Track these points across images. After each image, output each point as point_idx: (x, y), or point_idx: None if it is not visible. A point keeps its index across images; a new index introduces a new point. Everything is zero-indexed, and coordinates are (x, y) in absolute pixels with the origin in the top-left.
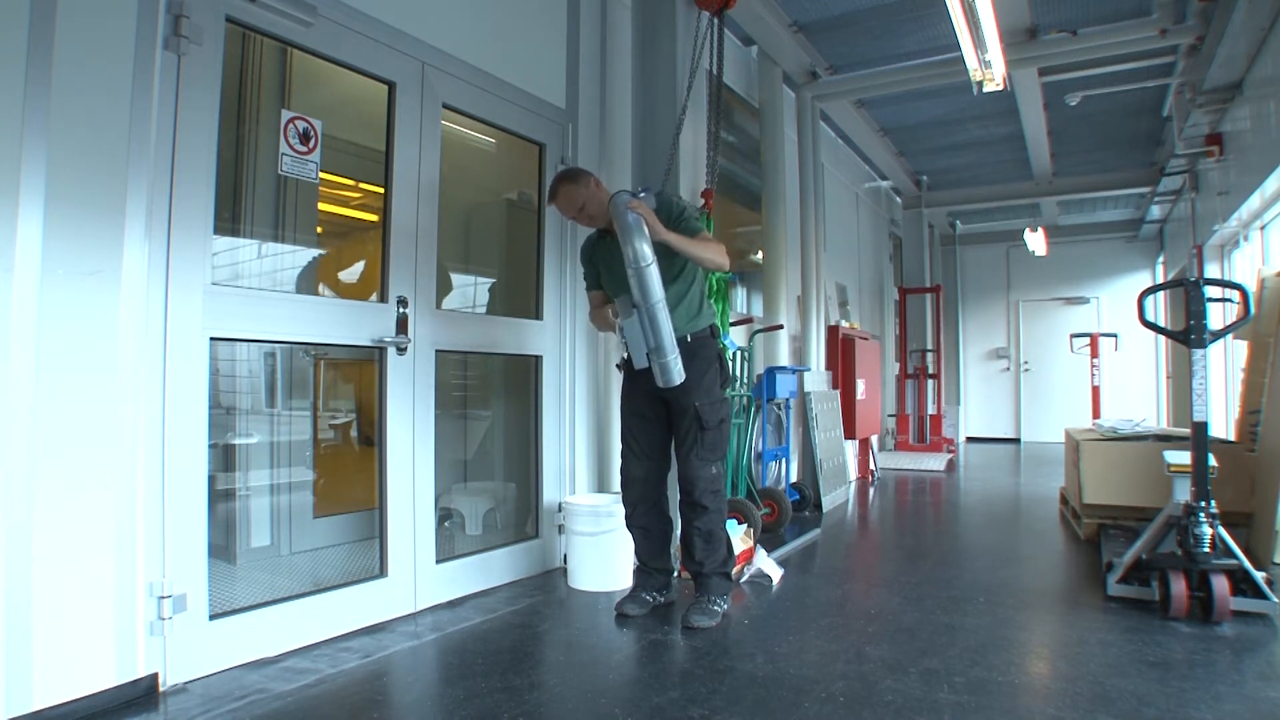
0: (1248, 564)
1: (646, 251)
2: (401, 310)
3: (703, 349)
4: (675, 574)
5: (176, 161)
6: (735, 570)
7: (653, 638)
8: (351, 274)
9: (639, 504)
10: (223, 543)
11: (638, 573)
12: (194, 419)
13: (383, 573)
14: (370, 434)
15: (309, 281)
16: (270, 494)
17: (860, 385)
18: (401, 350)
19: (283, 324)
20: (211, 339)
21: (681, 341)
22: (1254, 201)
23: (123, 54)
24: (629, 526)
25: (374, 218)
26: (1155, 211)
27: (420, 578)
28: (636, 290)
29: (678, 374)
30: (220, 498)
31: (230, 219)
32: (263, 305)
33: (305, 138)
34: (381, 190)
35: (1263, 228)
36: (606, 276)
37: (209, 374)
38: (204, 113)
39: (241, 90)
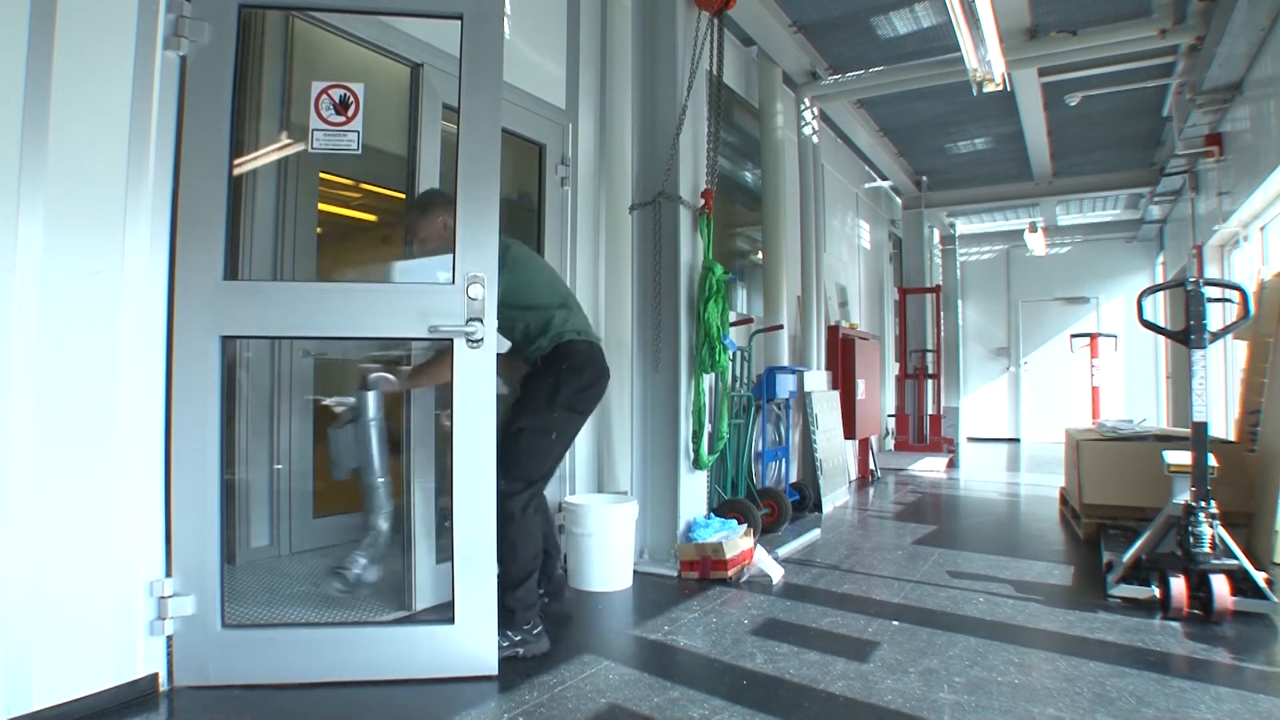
0: (1248, 564)
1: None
2: (475, 294)
3: (543, 366)
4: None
5: (183, 157)
6: (735, 571)
7: (652, 638)
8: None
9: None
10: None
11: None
12: (205, 420)
13: None
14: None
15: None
16: (270, 493)
17: (860, 385)
18: (475, 343)
19: (306, 318)
20: (223, 338)
21: (533, 364)
22: (1254, 201)
23: (124, 50)
24: None
25: (373, 218)
26: (1155, 212)
27: (420, 578)
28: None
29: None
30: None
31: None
32: (279, 299)
33: (343, 106)
34: (381, 190)
35: (1263, 228)
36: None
37: (220, 374)
38: (215, 100)
39: (243, 91)
